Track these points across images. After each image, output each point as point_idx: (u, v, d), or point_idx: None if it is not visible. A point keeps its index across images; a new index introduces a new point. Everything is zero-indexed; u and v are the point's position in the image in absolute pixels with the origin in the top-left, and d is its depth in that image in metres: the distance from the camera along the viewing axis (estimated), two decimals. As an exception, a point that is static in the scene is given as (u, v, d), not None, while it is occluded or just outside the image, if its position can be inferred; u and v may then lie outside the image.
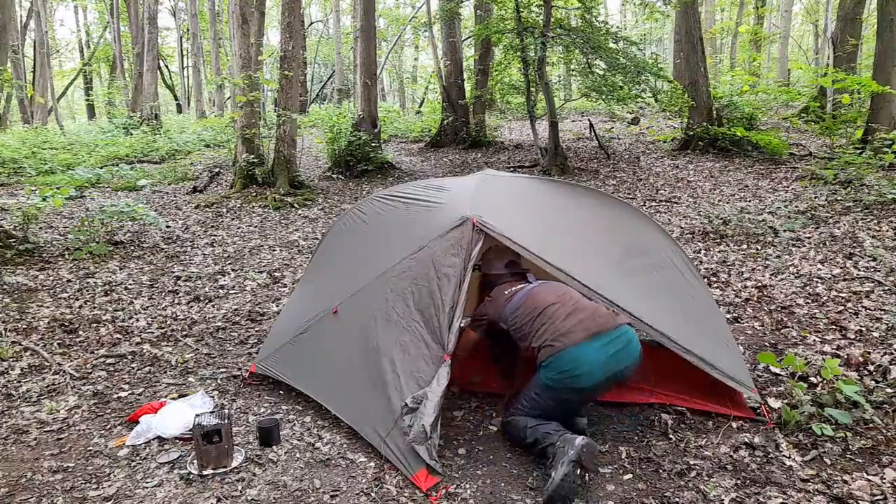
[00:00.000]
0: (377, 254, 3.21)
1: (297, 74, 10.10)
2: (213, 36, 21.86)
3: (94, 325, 4.48)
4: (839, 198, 7.05)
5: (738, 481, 2.44)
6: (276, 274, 5.81)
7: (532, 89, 11.08)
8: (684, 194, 8.43)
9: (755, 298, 4.56)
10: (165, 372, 3.74)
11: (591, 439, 2.44)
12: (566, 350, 2.56)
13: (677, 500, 2.34)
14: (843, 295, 4.46)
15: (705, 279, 4.85)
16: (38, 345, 4.07)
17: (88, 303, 4.95)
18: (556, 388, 2.61)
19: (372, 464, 2.62)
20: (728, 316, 4.24)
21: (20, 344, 4.07)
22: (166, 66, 27.46)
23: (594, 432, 2.85)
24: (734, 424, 2.84)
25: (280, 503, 2.40)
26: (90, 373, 3.71)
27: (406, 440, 2.49)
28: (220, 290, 5.34)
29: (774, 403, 2.98)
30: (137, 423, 2.97)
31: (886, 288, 4.51)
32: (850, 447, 2.63)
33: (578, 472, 2.33)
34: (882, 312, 4.08)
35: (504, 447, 2.78)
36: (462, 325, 2.99)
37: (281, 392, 3.35)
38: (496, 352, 3.45)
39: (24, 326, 4.40)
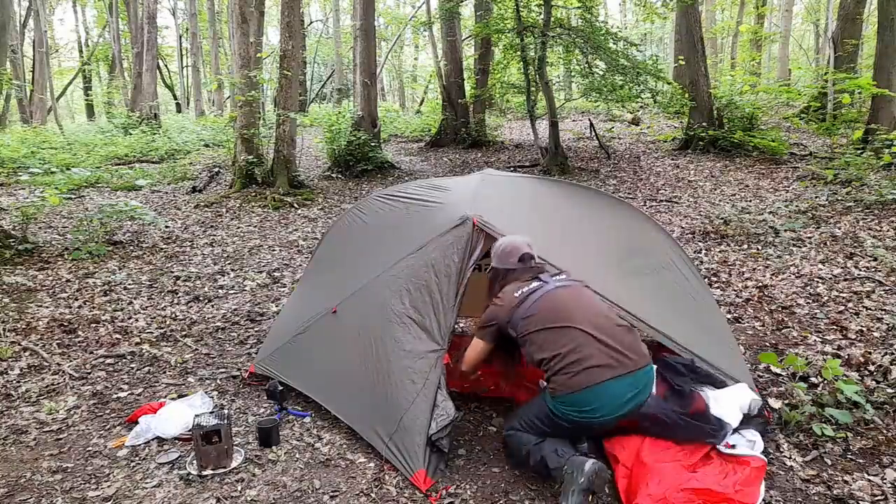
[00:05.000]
0: (377, 253, 3.20)
1: (297, 74, 10.09)
2: (213, 35, 21.87)
3: (94, 325, 4.47)
4: (840, 198, 7.04)
5: (739, 482, 2.43)
6: (275, 274, 5.81)
7: (532, 89, 11.07)
8: (685, 194, 8.43)
9: (756, 298, 4.55)
10: (165, 372, 3.73)
11: (600, 463, 2.22)
12: (591, 387, 2.28)
13: (678, 500, 2.34)
14: (844, 295, 4.45)
15: (706, 279, 4.84)
16: (37, 345, 4.06)
17: (87, 303, 4.94)
18: (565, 422, 2.37)
19: (372, 464, 2.61)
20: (729, 316, 4.23)
21: (19, 344, 4.07)
22: (165, 66, 27.44)
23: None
24: (735, 425, 2.83)
25: (280, 503, 2.40)
26: (89, 373, 3.71)
27: (433, 435, 2.49)
28: (220, 290, 5.33)
29: (775, 404, 2.97)
30: (137, 423, 2.96)
31: (887, 288, 4.51)
32: (851, 447, 2.62)
33: (590, 499, 2.18)
34: (883, 312, 4.08)
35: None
36: (462, 327, 2.97)
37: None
38: (505, 363, 2.94)
39: (24, 326, 4.39)
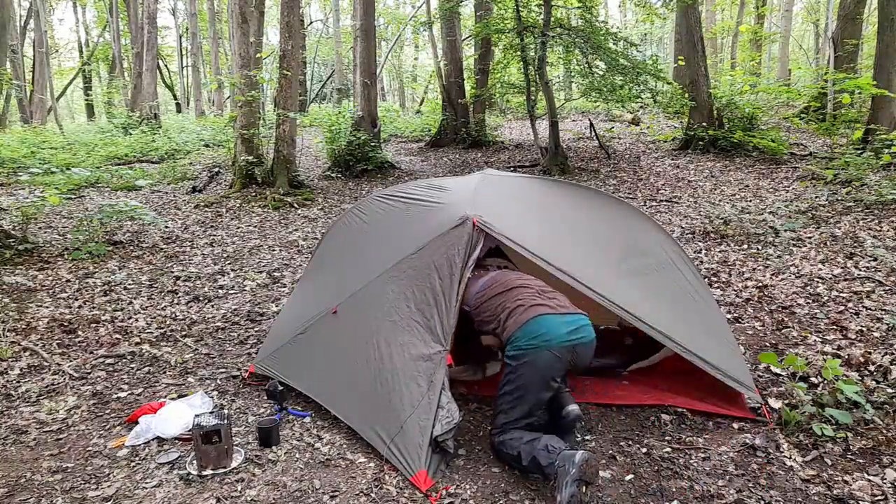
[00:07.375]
0: (377, 253, 3.20)
1: (297, 74, 10.08)
2: (213, 35, 21.87)
3: (94, 325, 4.47)
4: (840, 198, 7.04)
5: (739, 482, 2.43)
6: (275, 274, 5.81)
7: (532, 89, 11.07)
8: (685, 194, 8.43)
9: (756, 298, 4.55)
10: (165, 372, 3.73)
11: (590, 452, 2.35)
12: (535, 318, 2.60)
13: (678, 500, 2.34)
14: (844, 295, 4.45)
15: (706, 279, 4.84)
16: (37, 345, 4.06)
17: (87, 303, 4.94)
18: (529, 359, 2.52)
19: (372, 464, 2.62)
20: (729, 316, 4.23)
21: (19, 344, 4.07)
22: (165, 66, 27.43)
23: (595, 433, 2.85)
24: (735, 425, 2.84)
25: (280, 503, 2.40)
26: (89, 373, 3.71)
27: (440, 436, 2.50)
28: (220, 290, 5.33)
29: (775, 404, 2.97)
30: (137, 423, 2.96)
31: (887, 288, 4.51)
32: (851, 447, 2.62)
33: (584, 489, 2.28)
34: (883, 312, 4.07)
35: (504, 447, 2.77)
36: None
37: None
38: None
39: (24, 326, 4.39)
